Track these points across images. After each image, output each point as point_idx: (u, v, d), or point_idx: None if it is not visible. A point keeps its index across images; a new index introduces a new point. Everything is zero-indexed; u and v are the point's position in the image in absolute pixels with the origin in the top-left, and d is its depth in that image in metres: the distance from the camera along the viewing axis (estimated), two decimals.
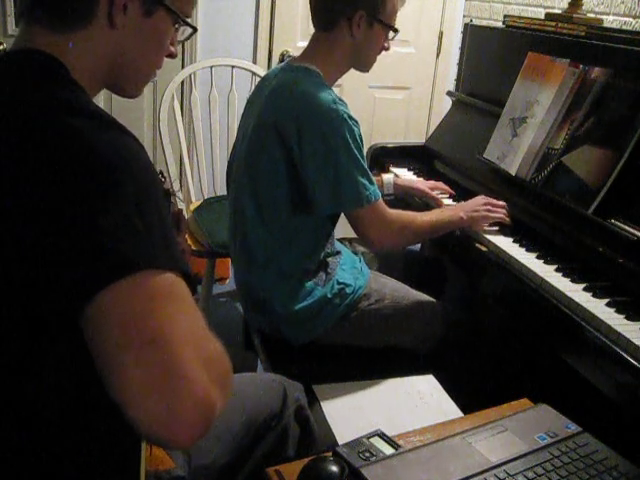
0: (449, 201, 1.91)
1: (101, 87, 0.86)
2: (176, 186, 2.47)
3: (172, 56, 0.91)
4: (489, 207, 1.67)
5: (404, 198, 1.97)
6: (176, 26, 0.88)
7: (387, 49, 1.60)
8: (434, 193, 1.89)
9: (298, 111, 1.42)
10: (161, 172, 1.14)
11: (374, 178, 1.49)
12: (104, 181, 0.67)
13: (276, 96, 1.48)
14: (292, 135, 1.41)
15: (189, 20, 0.89)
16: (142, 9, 0.81)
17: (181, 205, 2.48)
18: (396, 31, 1.57)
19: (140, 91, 0.91)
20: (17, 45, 0.80)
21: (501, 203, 1.70)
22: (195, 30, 0.91)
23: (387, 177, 1.95)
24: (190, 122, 2.74)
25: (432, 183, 1.96)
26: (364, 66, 1.61)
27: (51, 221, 0.65)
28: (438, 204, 1.85)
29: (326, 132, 1.40)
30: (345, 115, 1.42)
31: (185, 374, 0.63)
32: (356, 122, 1.45)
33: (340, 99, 1.45)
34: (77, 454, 0.76)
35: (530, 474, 0.90)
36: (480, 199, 1.70)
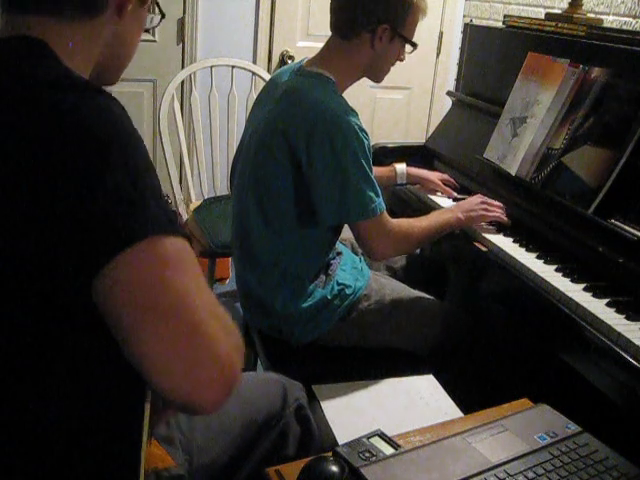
0: (448, 201, 1.91)
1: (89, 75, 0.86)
2: (176, 187, 2.47)
3: None
4: (486, 206, 1.67)
5: (406, 200, 1.98)
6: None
7: (402, 60, 1.59)
8: (444, 185, 1.97)
9: (308, 120, 1.40)
10: (167, 195, 1.15)
11: (380, 190, 1.48)
12: (94, 154, 0.66)
13: (287, 102, 1.46)
14: (301, 143, 1.40)
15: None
16: None
17: (182, 207, 2.48)
18: (415, 46, 1.55)
19: (118, 78, 0.92)
20: (5, 33, 0.78)
21: (497, 203, 1.70)
22: (164, 16, 0.94)
23: (400, 167, 1.96)
24: (190, 122, 2.74)
25: (440, 175, 2.00)
26: (378, 77, 1.60)
27: (47, 199, 0.65)
28: (447, 195, 1.94)
29: (336, 143, 1.39)
30: (356, 127, 1.41)
31: (209, 340, 0.63)
32: (366, 134, 1.44)
33: (352, 110, 1.44)
34: (75, 445, 0.76)
35: (530, 474, 0.90)
36: (476, 198, 1.71)
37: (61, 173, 0.65)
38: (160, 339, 0.62)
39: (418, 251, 2.45)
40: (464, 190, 1.95)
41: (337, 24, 1.52)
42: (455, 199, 1.92)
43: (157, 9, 0.90)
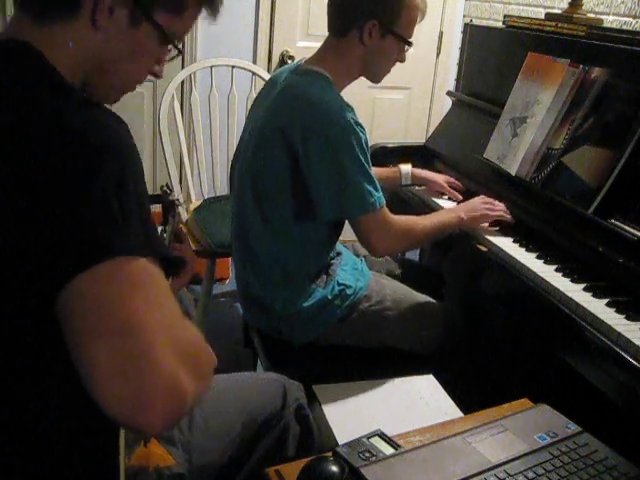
0: (450, 203, 1.91)
1: (81, 83, 0.84)
2: (176, 187, 2.47)
3: (156, 76, 0.90)
4: (489, 206, 1.68)
5: (407, 200, 1.98)
6: (168, 47, 0.87)
7: (402, 61, 1.57)
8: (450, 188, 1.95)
9: (305, 116, 1.41)
10: (167, 185, 1.14)
11: (379, 185, 1.48)
12: (84, 166, 0.67)
13: (284, 99, 1.47)
14: (298, 140, 1.40)
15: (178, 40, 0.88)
16: (129, 18, 0.80)
17: (182, 210, 2.47)
18: (410, 44, 1.54)
19: (115, 99, 0.89)
20: (2, 35, 0.79)
21: (500, 204, 1.70)
22: (180, 52, 0.90)
23: (405, 168, 1.96)
24: (190, 122, 2.74)
25: (446, 177, 1.99)
26: (374, 76, 1.59)
27: (28, 207, 0.65)
28: (454, 198, 1.92)
29: (333, 138, 1.39)
30: (352, 122, 1.41)
31: (154, 362, 0.63)
32: (363, 129, 1.44)
33: (348, 105, 1.44)
34: (75, 444, 0.76)
35: (530, 474, 0.90)
36: (479, 199, 1.71)
37: (51, 177, 0.66)
38: (106, 357, 0.62)
39: (417, 253, 2.46)
40: (467, 192, 1.95)
41: (330, 22, 1.53)
42: (459, 202, 1.92)
43: (170, 43, 0.86)
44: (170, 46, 0.87)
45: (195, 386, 0.66)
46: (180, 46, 0.89)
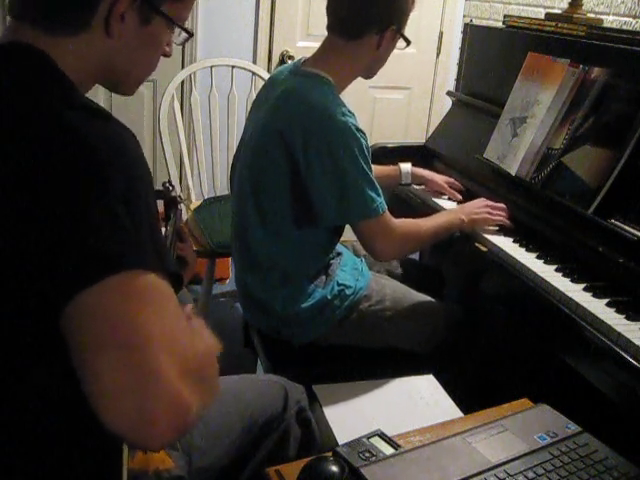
0: (450, 204, 1.91)
1: (93, 84, 0.85)
2: (176, 187, 2.47)
3: (167, 55, 0.91)
4: (489, 209, 1.67)
5: (407, 200, 1.98)
6: (175, 28, 0.88)
7: None
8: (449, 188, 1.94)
9: (306, 121, 1.40)
10: (169, 181, 1.13)
11: (381, 190, 1.47)
12: (92, 175, 0.66)
13: (284, 102, 1.45)
14: (298, 145, 1.40)
15: (185, 24, 0.89)
16: (139, 18, 0.80)
17: (183, 208, 2.47)
18: (409, 43, 1.55)
19: (134, 90, 0.91)
20: (4, 39, 0.79)
21: (501, 205, 1.70)
22: (191, 35, 0.91)
23: (405, 166, 1.95)
24: (190, 122, 2.74)
25: (446, 178, 1.98)
26: (373, 74, 1.60)
27: (37, 217, 0.65)
28: (453, 198, 1.92)
29: (334, 144, 1.39)
30: (353, 127, 1.40)
31: (158, 378, 0.62)
32: (364, 134, 1.44)
33: (349, 111, 1.43)
34: (75, 445, 0.76)
35: (530, 474, 0.90)
36: (480, 201, 1.70)
37: (58, 189, 0.65)
38: (110, 372, 0.62)
39: (417, 254, 2.46)
40: (467, 192, 1.95)
41: (342, 25, 1.49)
42: (459, 202, 1.92)
43: (180, 29, 0.88)
44: (180, 31, 0.88)
45: (199, 401, 0.66)
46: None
